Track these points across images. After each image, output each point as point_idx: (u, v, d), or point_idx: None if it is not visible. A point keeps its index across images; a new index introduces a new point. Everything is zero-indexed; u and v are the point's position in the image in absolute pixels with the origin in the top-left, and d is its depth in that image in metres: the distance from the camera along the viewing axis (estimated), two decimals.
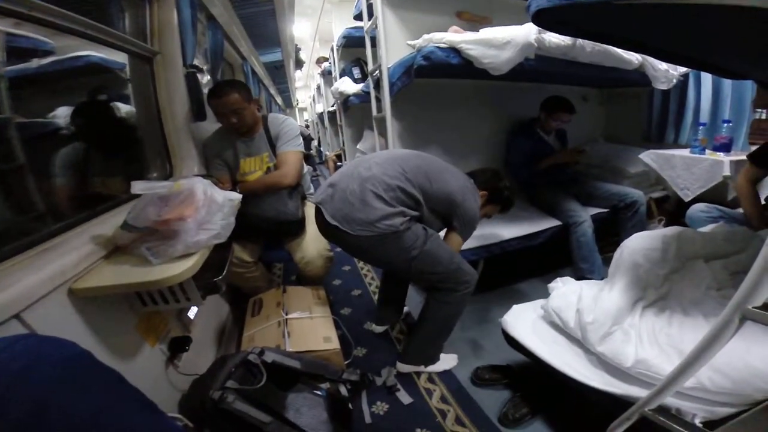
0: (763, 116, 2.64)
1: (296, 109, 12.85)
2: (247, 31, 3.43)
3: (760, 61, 1.32)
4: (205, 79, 2.24)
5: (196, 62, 2.05)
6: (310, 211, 2.05)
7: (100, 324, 1.06)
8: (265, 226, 1.91)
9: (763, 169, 1.82)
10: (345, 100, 3.81)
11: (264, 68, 5.36)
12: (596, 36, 1.32)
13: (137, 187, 1.13)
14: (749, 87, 2.54)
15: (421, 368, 1.75)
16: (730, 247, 1.53)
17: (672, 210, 2.93)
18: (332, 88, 3.82)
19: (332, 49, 4.45)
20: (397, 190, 1.49)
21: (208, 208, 1.18)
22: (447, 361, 1.79)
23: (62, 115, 1.44)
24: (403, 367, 1.75)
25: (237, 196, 1.36)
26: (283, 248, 2.05)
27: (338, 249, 2.79)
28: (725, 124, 2.39)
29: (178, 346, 1.38)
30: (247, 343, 1.62)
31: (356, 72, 2.90)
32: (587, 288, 1.41)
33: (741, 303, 0.69)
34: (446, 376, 1.72)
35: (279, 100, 9.67)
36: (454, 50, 1.92)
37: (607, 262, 2.31)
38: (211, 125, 2.06)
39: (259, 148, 1.95)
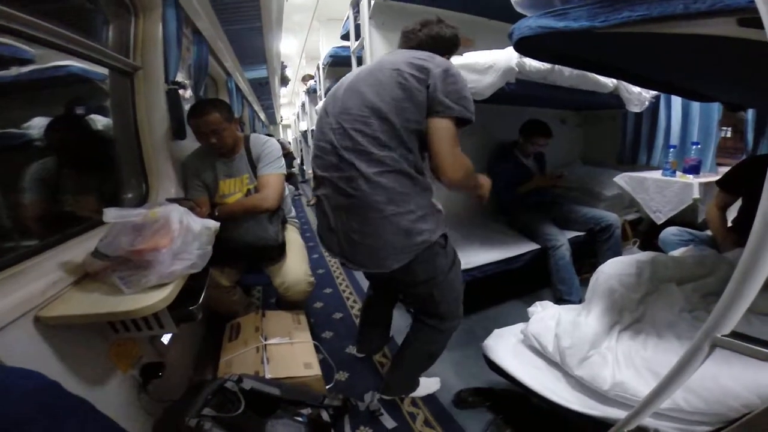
0: (728, 134, 2.79)
1: (280, 126, 12.80)
2: (233, 46, 3.42)
3: (726, 85, 1.40)
4: (187, 94, 2.20)
5: (179, 77, 2.02)
6: (290, 235, 2.04)
7: (69, 351, 1.03)
8: (244, 250, 1.86)
9: (732, 194, 1.91)
10: None
11: (248, 84, 5.35)
12: (576, 62, 1.38)
13: (110, 215, 1.10)
14: (716, 109, 2.68)
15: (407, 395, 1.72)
16: (701, 270, 1.62)
17: (645, 231, 3.04)
18: (317, 107, 3.82)
19: (318, 68, 4.48)
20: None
21: (184, 237, 1.15)
22: (429, 385, 1.75)
23: (37, 125, 1.39)
24: (387, 397, 1.71)
25: (214, 224, 1.33)
26: (262, 272, 2.00)
27: (320, 271, 2.75)
28: (694, 146, 2.51)
29: (151, 373, 1.34)
30: (224, 368, 1.58)
31: None
32: (565, 313, 1.44)
33: (710, 331, 0.72)
34: (429, 399, 1.71)
35: (263, 116, 9.64)
36: None
37: (584, 283, 2.35)
38: (190, 144, 2.02)
39: (239, 170, 1.92)
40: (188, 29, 2.34)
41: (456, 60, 1.94)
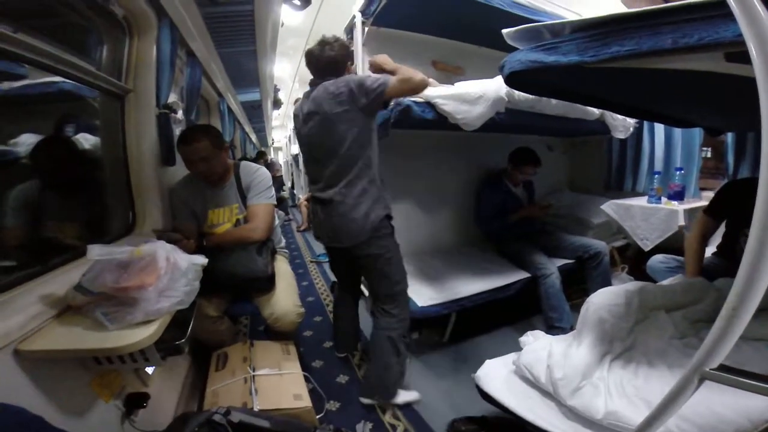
0: (708, 155, 2.87)
1: (271, 149, 12.81)
2: (226, 68, 3.44)
3: (709, 112, 1.44)
4: (179, 115, 2.18)
5: (171, 98, 2.00)
6: (280, 265, 2.01)
7: (51, 384, 0.99)
8: (232, 282, 1.81)
9: (717, 219, 1.93)
10: None
11: (241, 107, 5.36)
12: (564, 95, 1.41)
13: (94, 252, 1.07)
14: (697, 134, 2.77)
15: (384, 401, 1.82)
16: (689, 297, 1.64)
17: (633, 257, 3.08)
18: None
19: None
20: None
21: (171, 274, 1.12)
22: (407, 396, 1.84)
23: (25, 142, 1.36)
24: (365, 400, 1.82)
25: (202, 260, 1.31)
26: (250, 302, 1.95)
27: (310, 299, 2.71)
28: (678, 172, 2.57)
29: (135, 403, 1.29)
30: (211, 399, 1.52)
31: None
32: (556, 344, 1.45)
33: (699, 366, 0.73)
34: (424, 429, 1.68)
35: (254, 138, 9.63)
36: (429, 105, 1.99)
37: (575, 308, 2.37)
38: (180, 170, 1.98)
39: (228, 199, 1.89)
40: (182, 51, 2.34)
41: (446, 90, 1.99)
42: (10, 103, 1.33)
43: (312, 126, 1.70)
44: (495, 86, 1.90)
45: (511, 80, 1.08)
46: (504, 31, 1.03)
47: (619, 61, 0.75)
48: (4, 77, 1.26)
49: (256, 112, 6.68)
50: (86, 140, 1.76)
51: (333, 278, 3.21)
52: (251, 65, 3.43)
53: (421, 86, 1.70)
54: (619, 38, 0.75)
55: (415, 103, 2.00)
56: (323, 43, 1.71)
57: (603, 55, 0.76)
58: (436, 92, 1.98)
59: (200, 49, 2.52)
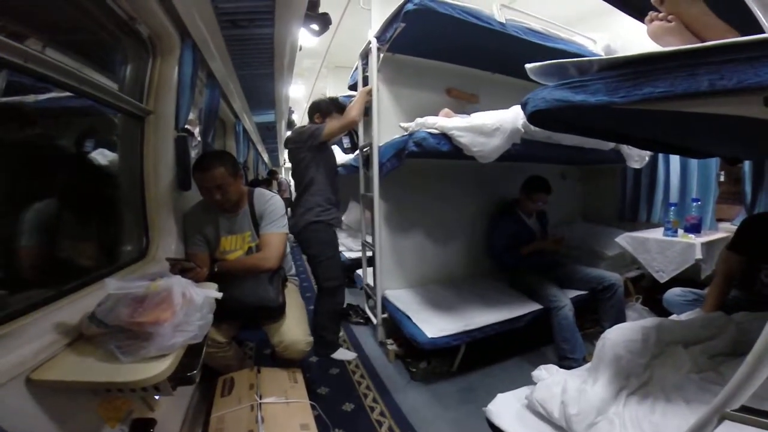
0: (722, 178, 2.83)
1: (282, 169, 12.89)
2: (243, 90, 3.50)
3: (729, 143, 1.42)
4: (195, 132, 2.20)
5: (190, 117, 2.00)
6: (290, 293, 2.00)
7: (59, 411, 0.98)
8: (242, 310, 1.79)
9: (743, 255, 1.89)
10: None
11: (255, 127, 5.41)
12: (581, 130, 1.39)
13: (111, 286, 1.07)
14: (714, 163, 2.75)
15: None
16: (708, 332, 1.60)
17: (648, 287, 3.02)
18: None
19: None
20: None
21: (186, 310, 1.11)
22: (345, 354, 2.43)
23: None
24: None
25: (216, 295, 1.31)
26: (259, 328, 1.93)
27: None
28: (694, 203, 2.55)
29: (142, 429, 1.26)
30: (216, 425, 1.48)
31: (346, 141, 2.97)
32: (571, 380, 1.41)
33: (720, 407, 0.71)
34: None
35: (266, 157, 9.71)
36: (444, 137, 2.01)
37: (587, 338, 2.37)
38: (194, 195, 1.97)
39: (241, 226, 1.90)
40: (203, 72, 2.37)
41: (462, 122, 1.99)
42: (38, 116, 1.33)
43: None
44: (511, 117, 1.90)
45: (534, 118, 1.06)
46: (527, 66, 1.02)
47: (650, 104, 0.72)
48: (29, 90, 1.26)
49: (269, 133, 6.73)
50: (104, 156, 1.76)
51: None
52: (268, 87, 3.47)
53: (350, 125, 2.40)
54: (652, 79, 0.72)
55: (431, 135, 2.01)
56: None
57: (634, 97, 0.74)
58: (452, 123, 1.99)
59: (220, 70, 2.55)
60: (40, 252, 1.31)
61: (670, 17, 0.92)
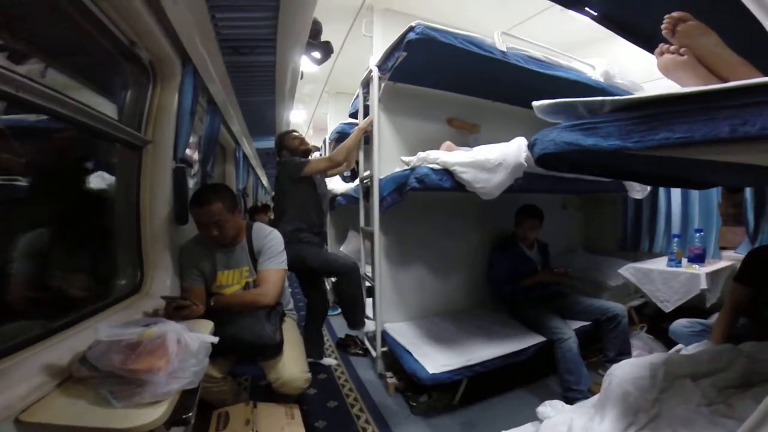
0: (720, 200, 2.83)
1: None
2: (244, 117, 3.51)
3: (734, 174, 1.40)
4: (194, 168, 2.17)
5: (189, 147, 1.98)
6: (288, 329, 1.95)
7: None
8: (238, 347, 1.73)
9: (749, 286, 1.87)
10: (332, 199, 3.80)
11: (256, 152, 5.40)
12: (590, 170, 1.36)
13: (102, 332, 1.04)
14: (715, 193, 2.76)
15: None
16: (717, 365, 1.57)
17: (652, 314, 3.00)
18: None
19: (324, 142, 4.58)
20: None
21: (181, 356, 1.08)
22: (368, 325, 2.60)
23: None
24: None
25: (212, 339, 1.27)
26: (256, 364, 1.87)
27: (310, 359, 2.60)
28: (697, 234, 2.54)
29: None
30: None
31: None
32: (578, 418, 1.39)
33: None
34: None
35: (265, 182, 9.70)
36: (447, 173, 1.98)
37: (590, 367, 2.33)
38: (192, 227, 1.93)
39: (239, 261, 1.87)
40: (203, 98, 2.36)
41: (465, 157, 1.97)
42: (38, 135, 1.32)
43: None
44: (514, 151, 1.87)
45: (542, 160, 1.02)
46: (535, 104, 0.99)
47: (666, 150, 0.68)
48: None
49: (270, 158, 6.74)
50: (103, 179, 1.73)
51: (339, 335, 3.13)
52: (269, 113, 3.48)
53: (334, 168, 2.68)
54: (668, 122, 0.68)
55: (433, 171, 1.99)
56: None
57: (649, 142, 0.69)
58: (454, 159, 1.96)
59: (220, 96, 2.54)
60: (29, 285, 1.27)
61: (682, 50, 0.89)
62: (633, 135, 0.74)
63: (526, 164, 1.84)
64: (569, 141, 0.86)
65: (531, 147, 1.00)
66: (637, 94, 0.87)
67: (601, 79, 2.74)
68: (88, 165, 1.66)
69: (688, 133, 0.66)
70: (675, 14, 0.91)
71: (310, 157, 2.77)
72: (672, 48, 0.91)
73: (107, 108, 1.68)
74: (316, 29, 2.47)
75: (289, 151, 2.75)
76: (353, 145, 2.56)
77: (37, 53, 1.27)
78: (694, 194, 2.88)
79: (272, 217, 3.62)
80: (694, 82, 0.87)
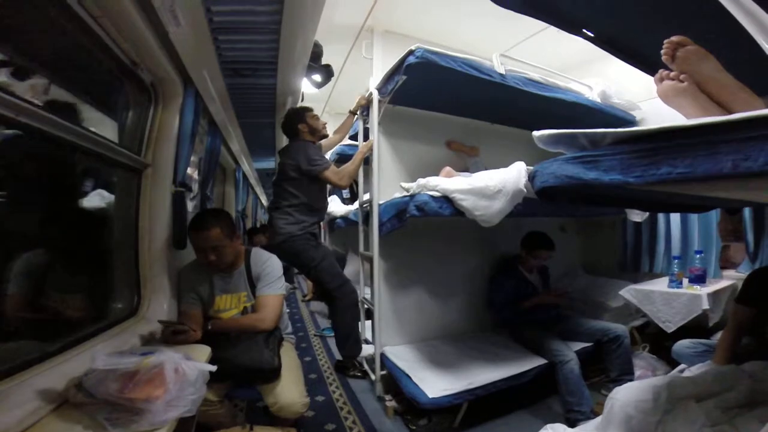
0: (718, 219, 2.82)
1: None
2: (245, 138, 3.52)
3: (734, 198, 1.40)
4: (193, 192, 2.16)
5: (188, 170, 1.98)
6: (286, 353, 1.92)
7: None
8: (236, 372, 1.70)
9: (752, 307, 1.85)
10: (331, 221, 3.79)
11: (255, 172, 5.39)
12: (590, 201, 1.36)
13: (99, 362, 1.04)
14: (714, 214, 2.76)
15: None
16: (721, 386, 1.54)
17: (654, 333, 2.97)
18: None
19: None
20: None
21: (179, 385, 1.07)
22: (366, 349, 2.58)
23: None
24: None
25: (210, 367, 1.26)
26: (253, 387, 1.84)
27: (312, 376, 2.60)
28: (698, 255, 2.54)
29: None
30: None
31: (345, 192, 2.97)
32: None
33: None
34: None
35: (264, 201, 9.70)
36: (447, 200, 1.98)
37: (592, 387, 2.33)
38: (190, 251, 1.91)
39: (237, 286, 1.86)
40: (204, 120, 2.36)
41: (464, 183, 1.98)
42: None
43: None
44: (514, 177, 1.87)
45: (542, 193, 1.01)
46: (535, 134, 0.98)
47: (668, 185, 0.67)
48: None
49: (270, 179, 6.75)
50: (102, 198, 1.74)
51: (338, 356, 3.08)
52: (269, 135, 3.49)
53: (338, 185, 2.64)
54: (670, 156, 0.66)
55: (433, 198, 1.99)
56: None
57: (650, 177, 0.68)
58: (454, 186, 1.96)
59: (221, 116, 2.56)
60: (23, 305, 1.27)
61: (682, 76, 0.88)
62: (635, 169, 0.72)
63: (525, 190, 1.83)
64: (570, 175, 0.85)
65: (531, 179, 0.99)
66: (639, 126, 0.86)
67: (598, 99, 2.78)
68: (89, 181, 1.68)
69: (690, 169, 0.64)
70: (674, 39, 0.90)
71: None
72: (672, 74, 0.90)
73: (108, 125, 1.71)
74: (317, 52, 2.49)
75: (309, 131, 2.67)
76: (356, 169, 2.61)
77: (41, 70, 1.30)
78: (693, 215, 2.88)
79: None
80: (694, 110, 0.86)
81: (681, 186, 0.67)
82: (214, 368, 1.26)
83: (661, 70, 0.93)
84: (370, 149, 2.49)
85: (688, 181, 0.66)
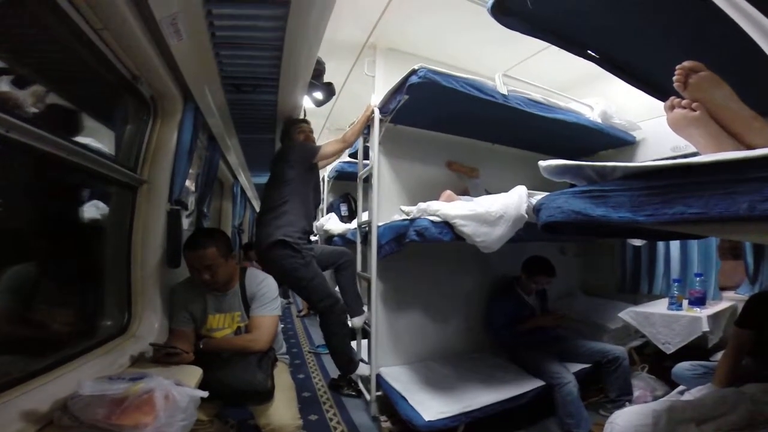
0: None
1: None
2: (244, 153, 3.50)
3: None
4: (189, 209, 2.12)
5: (186, 183, 1.95)
6: (280, 374, 1.89)
7: None
8: (227, 393, 1.67)
9: (751, 330, 1.84)
10: (329, 239, 3.76)
11: (254, 187, 5.33)
12: (595, 233, 1.33)
13: (87, 388, 1.01)
14: (713, 238, 2.73)
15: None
16: (721, 409, 1.53)
17: (653, 354, 2.96)
18: (317, 223, 3.75)
19: (324, 180, 4.57)
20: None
21: (169, 412, 1.04)
22: (363, 368, 2.51)
23: None
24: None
25: (202, 393, 1.23)
26: (245, 408, 1.80)
27: (306, 394, 2.54)
28: (698, 278, 2.55)
29: None
30: None
31: (344, 209, 2.92)
32: None
33: None
34: None
35: None
36: (447, 226, 1.96)
37: (591, 407, 2.33)
38: (183, 270, 1.88)
39: (231, 306, 1.83)
40: (203, 135, 2.34)
41: (465, 209, 1.95)
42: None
43: None
44: (515, 202, 1.83)
45: (548, 227, 0.97)
46: (541, 164, 0.94)
47: (680, 226, 0.63)
48: None
49: None
50: (98, 209, 1.71)
51: (333, 374, 3.04)
52: (269, 151, 3.44)
53: (347, 148, 2.54)
54: (684, 195, 0.62)
55: (433, 224, 1.98)
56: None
57: (662, 217, 0.64)
58: (455, 211, 1.93)
59: (220, 131, 2.55)
60: (9, 318, 1.25)
61: (694, 105, 0.83)
62: (645, 207, 0.69)
63: (527, 216, 1.80)
64: (577, 210, 0.81)
65: (536, 211, 0.95)
66: (639, 144, 0.82)
67: (599, 120, 2.78)
68: (85, 192, 1.64)
69: (704, 210, 0.60)
70: (686, 64, 0.85)
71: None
72: (684, 102, 0.85)
73: (105, 135, 1.69)
74: (319, 69, 2.48)
75: (305, 137, 2.62)
76: (361, 128, 2.49)
77: (41, 80, 1.30)
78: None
79: None
80: (706, 141, 0.83)
81: (692, 227, 0.64)
82: (205, 394, 1.23)
83: (672, 98, 0.88)
84: (372, 114, 2.45)
85: (701, 223, 0.62)
